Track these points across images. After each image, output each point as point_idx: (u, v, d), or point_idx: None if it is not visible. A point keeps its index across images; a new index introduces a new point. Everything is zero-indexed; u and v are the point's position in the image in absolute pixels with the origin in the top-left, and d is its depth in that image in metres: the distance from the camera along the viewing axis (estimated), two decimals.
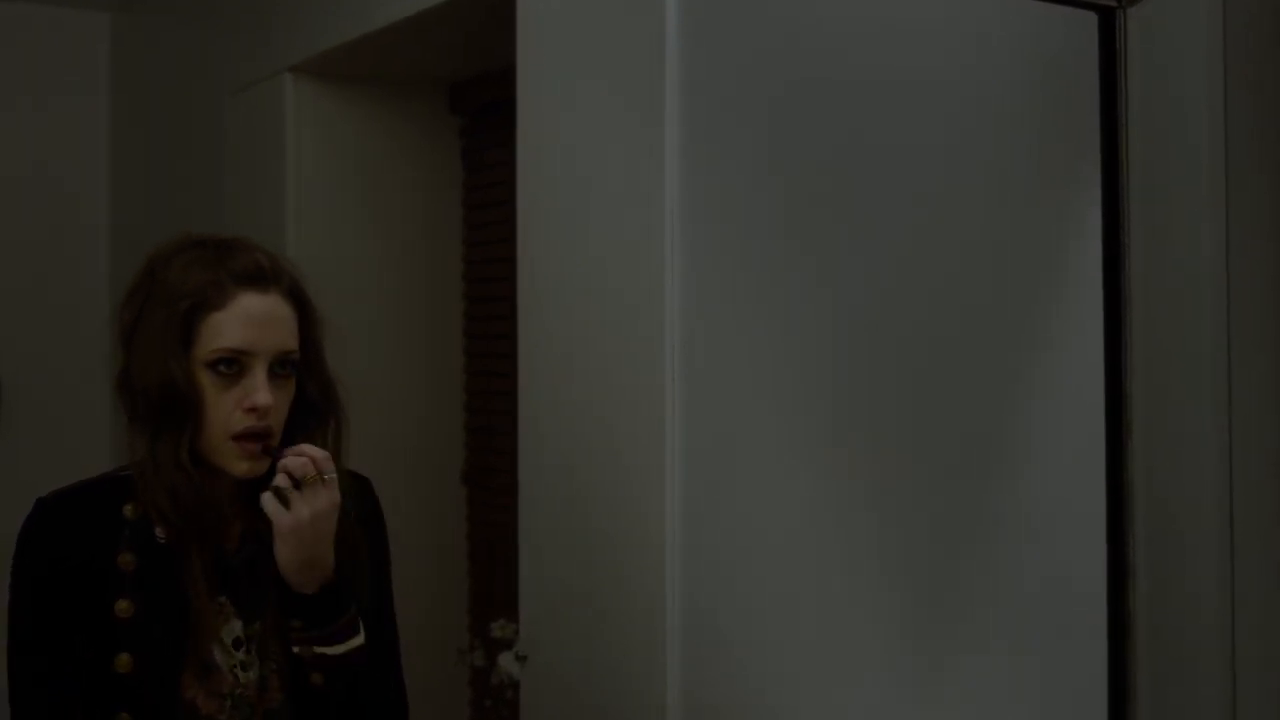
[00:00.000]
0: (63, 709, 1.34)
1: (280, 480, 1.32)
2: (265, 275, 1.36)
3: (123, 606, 1.33)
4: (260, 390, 1.33)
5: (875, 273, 1.79)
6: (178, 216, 3.34)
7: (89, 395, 3.25)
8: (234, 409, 1.34)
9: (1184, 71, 1.90)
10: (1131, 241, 1.96)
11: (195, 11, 3.35)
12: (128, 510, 1.37)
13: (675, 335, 1.63)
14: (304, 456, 1.33)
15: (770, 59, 1.70)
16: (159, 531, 1.36)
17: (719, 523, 1.66)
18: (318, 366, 1.43)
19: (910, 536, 1.80)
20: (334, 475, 1.34)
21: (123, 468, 1.41)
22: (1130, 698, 1.97)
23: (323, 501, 1.33)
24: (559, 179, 1.88)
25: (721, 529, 1.66)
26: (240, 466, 1.35)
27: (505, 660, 2.03)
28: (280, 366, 1.36)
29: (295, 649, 1.36)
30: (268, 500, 1.32)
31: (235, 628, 1.38)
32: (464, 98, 3.10)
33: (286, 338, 1.37)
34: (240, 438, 1.34)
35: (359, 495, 1.45)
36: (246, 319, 1.34)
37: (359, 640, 1.37)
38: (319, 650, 1.35)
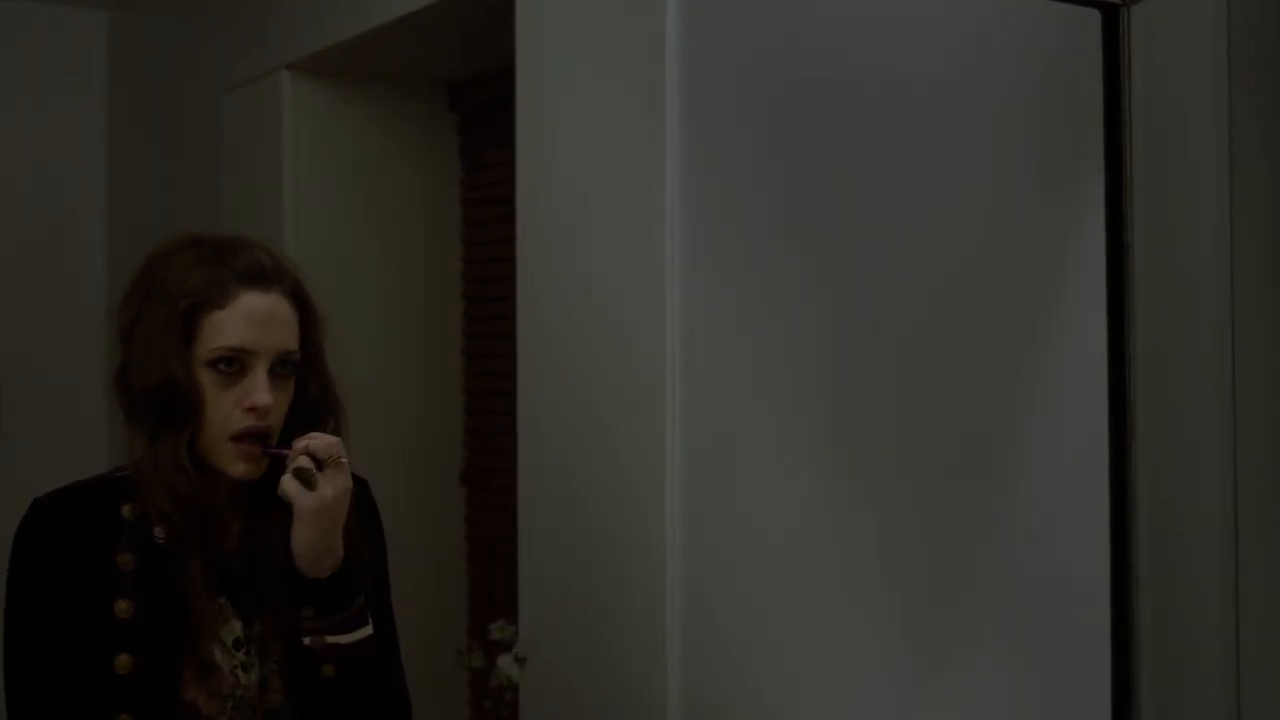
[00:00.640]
0: (62, 710, 1.33)
1: (304, 461, 1.33)
2: (267, 274, 1.36)
3: (122, 607, 1.33)
4: (260, 390, 1.33)
5: (876, 272, 1.78)
6: (175, 214, 3.34)
7: (85, 395, 3.25)
8: (234, 408, 1.33)
9: (1187, 70, 1.90)
10: (1134, 241, 1.96)
11: (192, 9, 3.34)
12: (126, 510, 1.36)
13: (675, 335, 1.63)
14: (323, 440, 1.34)
15: (770, 58, 1.70)
16: (158, 531, 1.35)
17: (719, 523, 1.66)
18: (318, 367, 1.43)
19: (910, 537, 1.80)
20: (347, 460, 1.35)
21: (120, 468, 1.40)
22: (1134, 699, 1.96)
23: (343, 482, 1.34)
24: (558, 178, 1.88)
25: (721, 529, 1.66)
26: (238, 468, 1.35)
27: (504, 662, 2.02)
28: (281, 366, 1.36)
29: (306, 640, 1.36)
30: (288, 482, 1.33)
31: (235, 628, 1.38)
32: (463, 96, 3.10)
33: (287, 337, 1.37)
34: (239, 438, 1.34)
35: (358, 496, 1.44)
36: (248, 318, 1.33)
37: (368, 630, 1.37)
38: (331, 640, 1.35)
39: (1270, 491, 1.88)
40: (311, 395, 1.41)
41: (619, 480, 1.74)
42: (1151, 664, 1.95)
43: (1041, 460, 1.93)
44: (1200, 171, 1.89)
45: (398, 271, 3.06)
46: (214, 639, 1.36)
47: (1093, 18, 1.97)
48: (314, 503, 1.32)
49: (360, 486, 1.49)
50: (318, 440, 1.34)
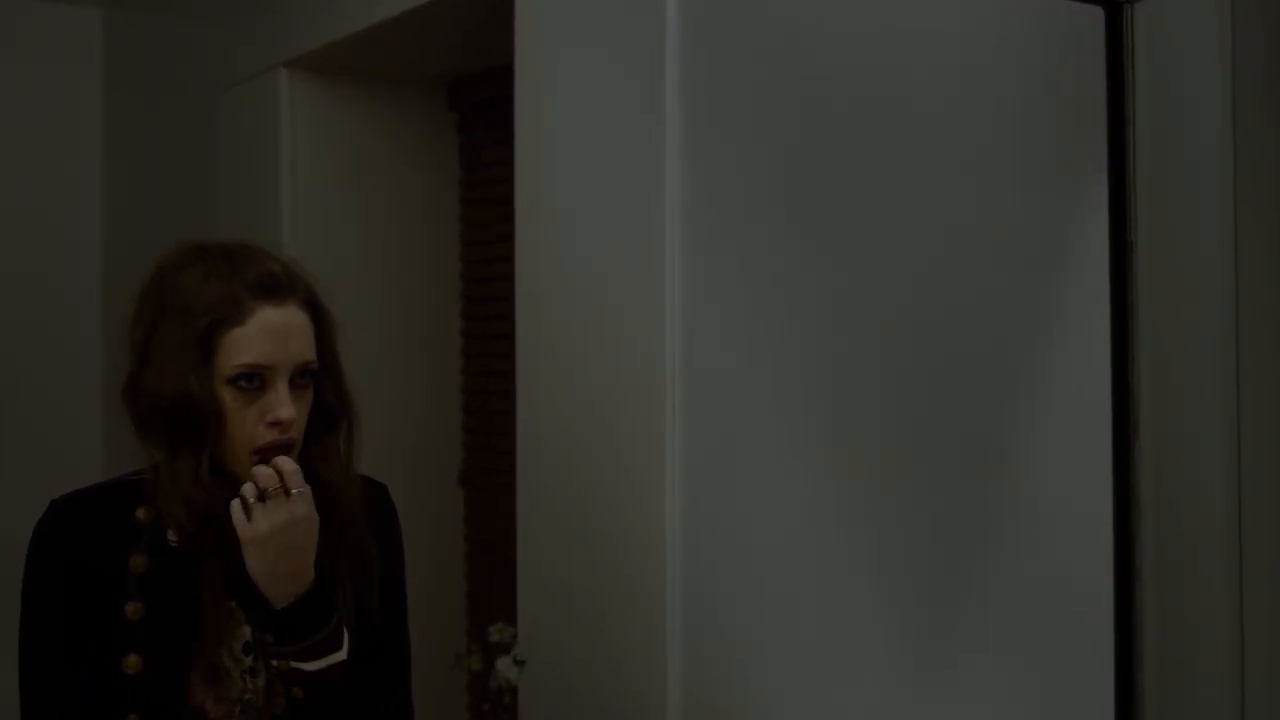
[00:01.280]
0: (75, 710, 1.33)
1: (246, 490, 1.30)
2: (280, 286, 1.35)
3: (132, 608, 1.33)
4: (284, 405, 1.32)
5: (877, 272, 1.78)
6: (172, 212, 3.33)
7: (81, 397, 3.23)
8: (256, 423, 1.33)
9: (1191, 69, 1.90)
10: (1137, 240, 1.96)
11: (189, 6, 3.33)
12: (141, 514, 1.36)
13: (675, 335, 1.63)
14: (272, 469, 1.30)
15: (771, 58, 1.69)
16: (171, 535, 1.35)
17: (719, 523, 1.65)
18: (334, 371, 1.42)
19: (910, 537, 1.80)
20: (304, 490, 1.31)
21: (137, 472, 1.40)
22: (1136, 700, 1.96)
23: (283, 515, 1.29)
24: (558, 177, 1.87)
25: (721, 529, 1.65)
26: None
27: (503, 665, 2.01)
28: (300, 377, 1.35)
29: (274, 663, 1.35)
30: (235, 508, 1.30)
31: (245, 633, 1.37)
32: (462, 94, 3.09)
33: (305, 348, 1.36)
34: (262, 451, 1.33)
35: (372, 503, 1.43)
36: (266, 333, 1.32)
37: (339, 657, 1.33)
38: (296, 665, 1.33)
39: (1274, 491, 1.88)
40: (329, 401, 1.41)
41: (619, 480, 1.73)
42: (1154, 665, 1.95)
43: (1043, 460, 1.92)
44: (1203, 170, 1.89)
45: (396, 270, 3.06)
46: (224, 643, 1.36)
47: (1096, 16, 1.96)
48: (250, 534, 1.29)
49: (378, 493, 1.48)
50: (260, 470, 1.30)
